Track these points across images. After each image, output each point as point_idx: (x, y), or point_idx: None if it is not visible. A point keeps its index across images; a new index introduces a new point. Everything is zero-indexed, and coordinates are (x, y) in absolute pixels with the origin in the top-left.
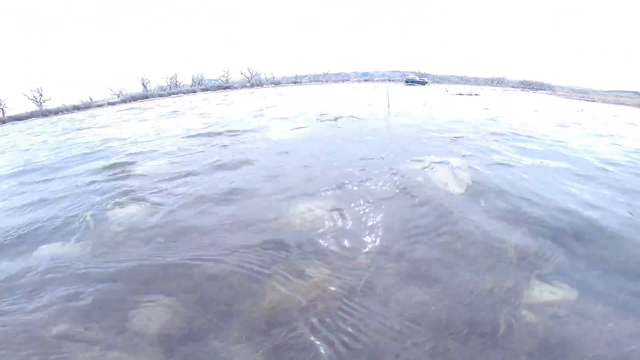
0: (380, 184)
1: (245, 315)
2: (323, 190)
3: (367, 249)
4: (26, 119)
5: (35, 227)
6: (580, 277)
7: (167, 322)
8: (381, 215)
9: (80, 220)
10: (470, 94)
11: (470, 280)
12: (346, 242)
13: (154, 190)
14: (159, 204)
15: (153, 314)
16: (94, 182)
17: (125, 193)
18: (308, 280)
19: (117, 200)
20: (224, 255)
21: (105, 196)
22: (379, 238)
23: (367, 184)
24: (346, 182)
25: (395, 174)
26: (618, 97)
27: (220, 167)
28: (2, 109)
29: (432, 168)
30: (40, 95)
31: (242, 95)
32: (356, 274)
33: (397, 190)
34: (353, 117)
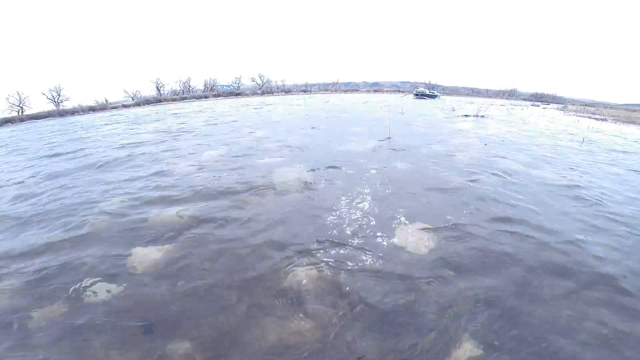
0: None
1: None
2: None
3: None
4: (44, 118)
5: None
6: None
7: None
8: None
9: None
10: (477, 115)
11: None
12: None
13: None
14: None
15: None
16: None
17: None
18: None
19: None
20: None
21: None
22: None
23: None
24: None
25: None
26: (630, 114)
27: None
28: (21, 107)
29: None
30: (59, 95)
31: (251, 106)
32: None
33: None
34: (345, 167)
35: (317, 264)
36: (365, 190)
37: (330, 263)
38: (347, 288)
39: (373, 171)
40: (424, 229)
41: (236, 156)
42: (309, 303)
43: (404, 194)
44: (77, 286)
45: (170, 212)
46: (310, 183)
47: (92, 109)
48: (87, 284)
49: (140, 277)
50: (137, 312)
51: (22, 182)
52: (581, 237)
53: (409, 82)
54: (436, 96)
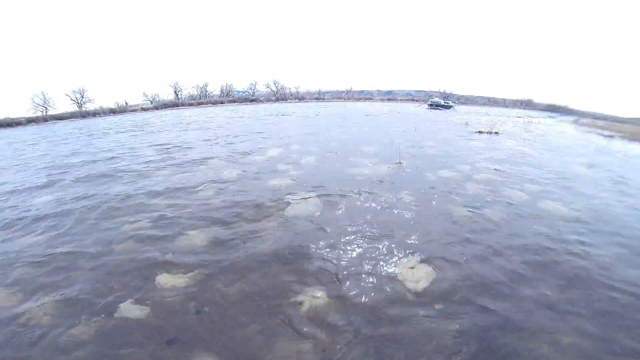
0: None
1: None
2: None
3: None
4: (67, 119)
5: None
6: None
7: None
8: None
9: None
10: (490, 132)
11: None
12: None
13: None
14: None
15: None
16: None
17: None
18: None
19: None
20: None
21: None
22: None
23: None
24: None
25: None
26: (636, 130)
27: None
28: (45, 107)
29: None
30: (82, 96)
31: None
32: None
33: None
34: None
35: (323, 293)
36: (373, 228)
37: (334, 294)
38: (350, 317)
39: (381, 203)
40: (422, 267)
41: (250, 179)
42: (315, 328)
43: (409, 231)
44: (108, 306)
45: (190, 238)
46: (319, 214)
47: (112, 111)
48: (117, 304)
49: (164, 297)
50: (163, 329)
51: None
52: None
53: (423, 91)
54: (451, 107)
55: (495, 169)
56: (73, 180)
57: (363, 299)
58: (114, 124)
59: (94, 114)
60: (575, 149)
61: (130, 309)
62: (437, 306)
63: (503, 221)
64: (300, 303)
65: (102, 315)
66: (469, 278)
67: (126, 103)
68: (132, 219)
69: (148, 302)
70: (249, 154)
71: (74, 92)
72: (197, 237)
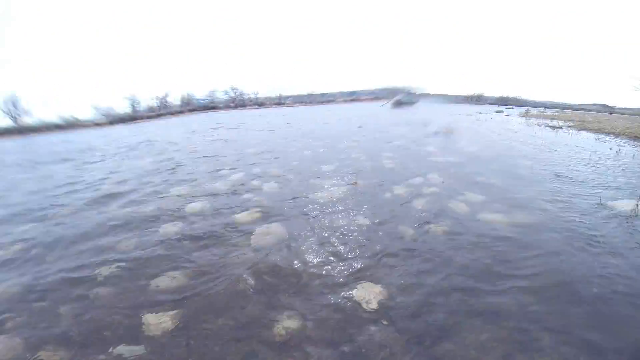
0: None
1: None
2: None
3: None
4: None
5: None
6: None
7: None
8: None
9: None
10: (445, 132)
11: None
12: None
13: None
14: None
15: None
16: None
17: None
18: None
19: None
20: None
21: None
22: None
23: None
24: None
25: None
26: (584, 118)
27: None
28: None
29: None
30: (15, 107)
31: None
32: None
33: None
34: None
35: (294, 319)
36: (332, 254)
37: (304, 317)
38: (318, 336)
39: (338, 229)
40: (373, 287)
41: (213, 212)
42: (291, 349)
43: (363, 255)
44: (103, 347)
45: (164, 279)
46: (285, 244)
47: (59, 127)
48: (112, 345)
49: (153, 334)
50: None
51: None
52: None
53: (387, 89)
54: (413, 103)
55: (443, 182)
56: None
57: (327, 320)
58: (52, 148)
59: (35, 129)
60: (521, 148)
61: (125, 349)
62: (384, 322)
63: (448, 236)
64: (276, 328)
65: (101, 356)
66: (414, 294)
67: (75, 118)
68: (104, 263)
69: (140, 340)
70: (208, 180)
71: (5, 102)
72: (171, 277)
